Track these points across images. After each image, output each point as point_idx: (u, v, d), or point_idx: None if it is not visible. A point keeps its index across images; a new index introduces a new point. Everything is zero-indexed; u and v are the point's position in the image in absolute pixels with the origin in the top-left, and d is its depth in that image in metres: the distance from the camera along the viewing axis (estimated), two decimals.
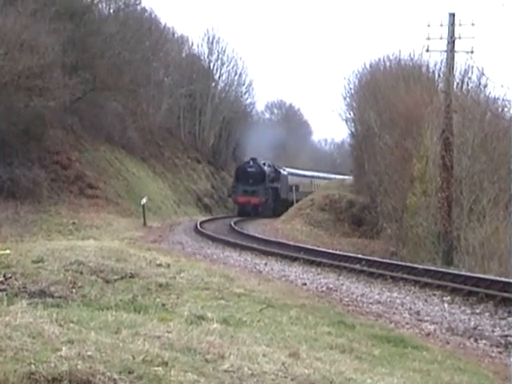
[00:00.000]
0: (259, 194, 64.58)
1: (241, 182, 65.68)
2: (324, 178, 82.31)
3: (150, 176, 62.56)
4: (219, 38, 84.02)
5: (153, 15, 70.92)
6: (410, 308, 16.04)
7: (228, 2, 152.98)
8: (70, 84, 46.86)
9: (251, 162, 67.09)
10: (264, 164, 68.08)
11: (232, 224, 45.71)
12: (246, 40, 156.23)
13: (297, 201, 65.74)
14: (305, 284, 19.71)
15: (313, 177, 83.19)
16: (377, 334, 11.01)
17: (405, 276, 21.07)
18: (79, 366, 5.20)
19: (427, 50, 36.84)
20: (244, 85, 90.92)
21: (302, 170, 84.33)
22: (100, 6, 59.92)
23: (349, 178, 67.09)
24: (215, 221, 52.08)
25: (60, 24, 47.25)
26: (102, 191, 50.82)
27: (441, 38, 34.73)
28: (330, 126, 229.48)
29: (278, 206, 67.59)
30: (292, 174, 74.82)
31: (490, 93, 41.65)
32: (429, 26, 34.93)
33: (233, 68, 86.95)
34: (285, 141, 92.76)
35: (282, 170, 72.93)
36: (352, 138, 66.06)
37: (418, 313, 15.37)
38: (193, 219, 50.33)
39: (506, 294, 17.03)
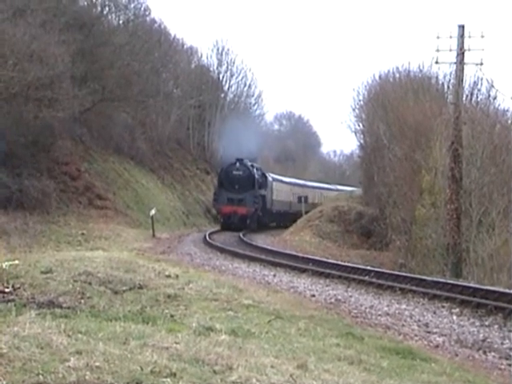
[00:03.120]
0: (247, 202, 54.57)
1: (225, 188, 55.72)
2: (320, 188, 79.30)
3: (158, 187, 62.61)
4: (228, 50, 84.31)
5: (162, 26, 71.15)
6: (419, 320, 16.02)
7: (237, 13, 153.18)
8: (79, 95, 46.97)
9: (237, 164, 56.37)
10: (252, 166, 58.03)
11: (241, 235, 45.69)
12: (256, 51, 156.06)
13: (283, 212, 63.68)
14: (313, 295, 19.70)
15: (306, 186, 76.76)
16: (385, 345, 11.01)
17: (414, 288, 21.05)
18: (87, 377, 5.22)
19: (436, 62, 36.90)
20: (253, 96, 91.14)
21: (294, 178, 77.94)
22: (109, 17, 60.06)
23: (357, 190, 66.98)
24: (224, 232, 50.85)
25: (69, 35, 47.40)
26: (111, 202, 50.92)
27: (450, 50, 34.80)
28: (339, 138, 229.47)
29: (264, 217, 59.57)
30: (276, 180, 66.37)
31: (499, 105, 41.78)
32: (438, 37, 35.02)
33: (242, 79, 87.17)
34: (293, 152, 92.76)
35: (268, 175, 63.48)
36: (361, 149, 66.01)
37: (426, 325, 15.36)
38: (202, 230, 50.36)
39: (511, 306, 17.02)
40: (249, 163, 57.13)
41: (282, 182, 66.87)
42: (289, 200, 64.95)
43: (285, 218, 63.05)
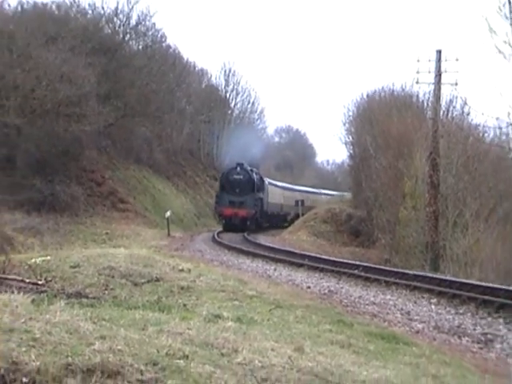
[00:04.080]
0: (248, 205, 52.14)
1: (226, 191, 53.14)
2: (311, 193, 77.34)
3: (173, 192, 62.57)
4: (234, 71, 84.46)
5: (176, 51, 71.19)
6: (402, 309, 15.99)
7: (242, 38, 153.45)
8: (103, 111, 47.02)
9: (238, 168, 53.64)
10: (251, 171, 55.14)
11: (245, 235, 45.59)
12: (258, 71, 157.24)
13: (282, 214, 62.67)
14: (309, 287, 19.66)
15: (296, 190, 74.27)
16: (372, 331, 10.98)
17: (397, 281, 21.02)
18: (110, 359, 5.20)
19: (417, 82, 37.02)
20: (256, 112, 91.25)
21: (286, 183, 75.46)
22: (130, 42, 60.10)
23: (347, 194, 66.71)
24: (231, 232, 49.54)
25: (95, 58, 47.47)
26: (131, 205, 50.95)
27: (429, 72, 34.95)
28: (332, 149, 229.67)
29: (261, 218, 56.39)
30: (271, 184, 63.54)
31: (472, 120, 41.63)
32: (418, 61, 35.22)
33: (246, 97, 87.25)
34: (292, 161, 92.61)
35: (264, 180, 60.50)
36: (351, 159, 65.86)
37: (408, 313, 15.33)
38: (211, 230, 50.18)
39: (485, 297, 17.03)
40: (248, 168, 54.94)
41: (275, 185, 64.99)
42: (280, 202, 63.45)
43: (277, 219, 61.94)
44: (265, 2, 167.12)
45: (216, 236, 43.43)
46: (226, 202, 51.64)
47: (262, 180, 56.01)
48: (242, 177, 52.46)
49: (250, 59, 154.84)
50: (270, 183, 60.97)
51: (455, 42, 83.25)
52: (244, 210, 51.08)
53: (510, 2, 33.73)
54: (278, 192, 62.78)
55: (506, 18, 34.05)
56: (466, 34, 72.32)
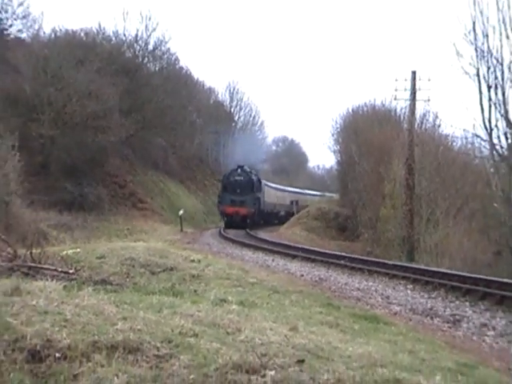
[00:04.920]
0: (248, 204, 50.59)
1: (228, 191, 51.44)
2: (304, 194, 75.19)
3: (185, 194, 62.54)
4: (238, 89, 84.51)
5: (188, 72, 71.24)
6: (382, 293, 15.98)
7: (244, 60, 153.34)
8: (125, 124, 47.09)
9: (239, 170, 52.21)
10: (251, 172, 53.60)
11: (247, 230, 45.52)
12: (259, 88, 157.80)
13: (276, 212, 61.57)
14: (302, 275, 19.63)
15: (286, 190, 71.84)
16: (356, 313, 10.98)
17: (378, 269, 21.01)
18: (131, 337, 5.20)
19: (395, 99, 37.16)
20: (257, 124, 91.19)
21: (281, 185, 72.95)
22: (148, 65, 60.14)
23: (335, 195, 66.64)
24: (239, 228, 48.72)
25: (118, 78, 47.53)
26: (149, 205, 50.97)
27: (405, 90, 35.03)
28: (322, 155, 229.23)
29: (258, 216, 54.15)
30: (267, 185, 61.12)
31: (442, 131, 41.76)
32: (396, 80, 35.34)
33: (248, 112, 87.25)
34: (287, 167, 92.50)
35: (262, 181, 57.77)
36: (338, 165, 65.82)
37: (387, 297, 15.32)
38: (218, 227, 49.98)
39: (454, 283, 17.04)
40: (248, 169, 53.46)
41: (270, 186, 62.81)
42: (274, 202, 62.36)
43: (271, 217, 60.49)
44: (264, 28, 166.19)
45: (222, 231, 43.46)
46: (228, 201, 50.53)
47: (259, 181, 54.71)
48: (242, 178, 51.40)
49: (251, 78, 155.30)
50: (266, 184, 59.69)
51: (429, 63, 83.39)
52: (244, 209, 50.05)
53: (474, 30, 33.77)
54: (273, 192, 62.14)
55: (471, 43, 34.01)
56: (438, 56, 72.59)
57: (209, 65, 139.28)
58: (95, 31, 56.83)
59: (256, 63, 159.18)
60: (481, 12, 33.55)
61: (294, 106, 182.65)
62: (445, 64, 45.11)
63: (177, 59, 65.97)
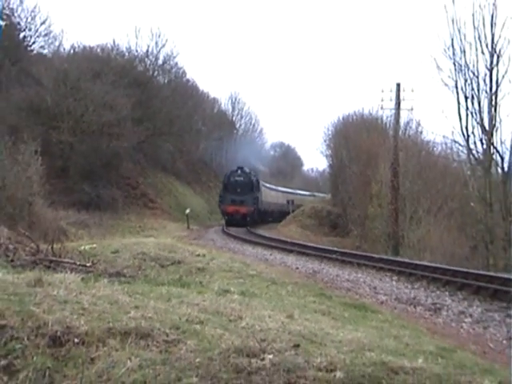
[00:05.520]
0: (247, 203, 49.79)
1: (229, 191, 50.47)
2: (293, 194, 72.86)
3: (191, 194, 62.54)
4: (239, 99, 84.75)
5: (194, 84, 71.28)
6: (370, 284, 15.99)
7: (245, 73, 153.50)
8: (137, 131, 47.12)
9: (239, 171, 51.45)
10: (250, 173, 52.47)
11: (248, 228, 45.50)
12: (258, 97, 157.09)
13: (270, 211, 60.10)
14: (297, 268, 19.64)
15: (279, 190, 69.94)
16: (347, 302, 10.98)
17: (366, 263, 21.03)
18: (142, 324, 5.20)
19: (381, 108, 37.26)
20: (256, 131, 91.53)
21: (274, 185, 70.81)
22: (158, 78, 60.12)
23: (327, 195, 66.65)
24: (239, 226, 48.34)
25: (130, 90, 47.53)
26: (159, 204, 50.99)
27: (391, 100, 35.26)
28: (315, 159, 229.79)
29: (257, 215, 52.64)
30: (264, 186, 59.13)
31: (424, 137, 41.81)
32: (383, 91, 35.47)
33: (248, 120, 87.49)
34: (284, 169, 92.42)
35: (260, 181, 56.21)
36: (330, 168, 65.89)
37: (375, 288, 15.32)
38: (221, 224, 49.95)
39: (435, 275, 17.09)
40: (247, 170, 52.47)
41: (267, 187, 61.29)
42: (271, 201, 61.64)
43: (268, 216, 59.55)
44: (265, 43, 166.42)
45: (225, 229, 43.46)
46: (229, 200, 49.78)
47: (258, 182, 53.74)
48: (242, 178, 50.65)
49: (251, 88, 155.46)
50: (263, 185, 58.71)
51: (413, 75, 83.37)
52: (244, 208, 49.38)
53: (452, 46, 33.82)
54: (270, 193, 61.67)
55: (450, 58, 34.08)
56: (421, 69, 72.77)
57: (212, 76, 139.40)
58: (110, 47, 56.98)
59: (256, 75, 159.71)
60: (459, 30, 33.65)
61: (291, 114, 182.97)
62: (427, 76, 45.27)
63: (184, 72, 66.15)
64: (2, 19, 44.17)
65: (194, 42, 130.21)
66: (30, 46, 47.98)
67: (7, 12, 44.79)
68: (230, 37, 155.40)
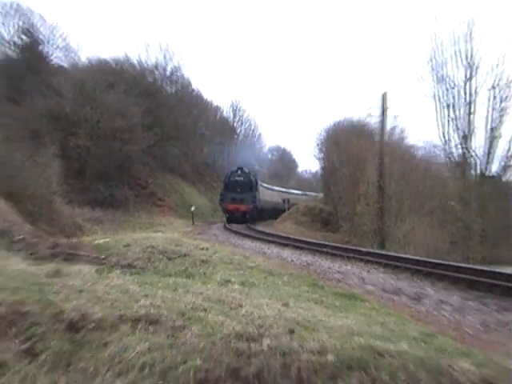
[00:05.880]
0: (247, 201, 49.35)
1: (229, 190, 49.74)
2: (288, 193, 71.81)
3: (196, 193, 62.53)
4: (240, 107, 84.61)
5: (198, 93, 71.21)
6: (358, 276, 15.98)
7: (245, 81, 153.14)
8: (147, 136, 47.20)
9: (239, 172, 50.78)
10: (249, 173, 51.70)
11: (248, 224, 45.48)
12: (257, 104, 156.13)
13: (263, 209, 59.77)
14: (293, 260, 19.61)
15: (275, 189, 68.57)
16: (338, 292, 10.98)
17: (355, 256, 21.01)
18: (151, 311, 5.20)
19: (369, 115, 37.34)
20: (255, 136, 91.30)
21: (270, 184, 69.68)
22: (166, 88, 60.16)
23: (320, 195, 66.54)
24: (239, 223, 48.15)
25: (141, 99, 47.61)
26: (166, 203, 50.99)
27: (377, 108, 35.17)
28: (309, 162, 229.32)
29: (256, 212, 51.81)
30: (261, 185, 57.96)
31: (407, 142, 41.93)
32: (370, 100, 35.66)
33: (248, 126, 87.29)
34: (280, 171, 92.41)
35: (258, 181, 55.60)
36: (322, 170, 65.67)
37: (363, 279, 15.32)
38: (222, 221, 49.93)
39: (418, 267, 17.07)
40: (247, 170, 51.58)
41: (265, 187, 60.15)
42: (268, 200, 60.82)
43: (264, 213, 57.56)
44: (263, 54, 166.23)
45: (226, 225, 43.46)
46: (229, 198, 49.16)
47: (256, 181, 52.95)
48: (242, 178, 49.93)
49: (250, 96, 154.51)
50: (261, 185, 57.90)
51: (399, 84, 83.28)
52: (244, 206, 48.92)
53: (433, 59, 33.94)
54: (267, 192, 61.27)
55: (431, 70, 34.19)
56: (407, 79, 73.11)
57: (215, 85, 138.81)
58: (122, 60, 57.07)
59: (255, 83, 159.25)
60: (439, 44, 33.79)
61: (287, 120, 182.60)
62: (412, 85, 45.40)
63: (189, 83, 66.26)
64: (26, 35, 44.27)
65: (198, 53, 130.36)
66: (51, 59, 48.01)
67: (30, 28, 44.85)
68: (231, 48, 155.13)
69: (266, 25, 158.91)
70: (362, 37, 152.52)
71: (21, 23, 44.39)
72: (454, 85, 32.93)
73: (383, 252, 24.93)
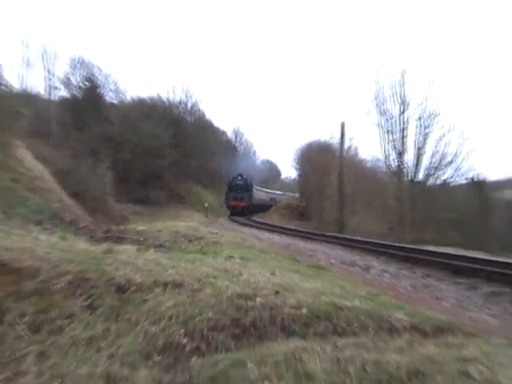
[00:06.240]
0: (245, 199, 48.90)
1: (232, 191, 49.46)
2: (274, 194, 69.29)
3: (209, 194, 62.16)
4: (240, 131, 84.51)
5: (210, 121, 70.54)
6: (324, 252, 16.01)
7: (242, 110, 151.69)
8: (173, 153, 47.10)
9: (239, 177, 50.72)
10: (246, 178, 51.26)
11: (246, 216, 45.51)
12: (252, 126, 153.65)
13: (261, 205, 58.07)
14: (278, 242, 19.64)
15: (265, 191, 65.24)
16: (310, 264, 11.00)
17: (322, 238, 21.08)
18: (177, 278, 5.20)
19: (331, 138, 37.44)
20: (252, 152, 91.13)
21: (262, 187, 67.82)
22: (187, 118, 60.02)
23: (297, 195, 66.58)
24: (239, 215, 48.30)
25: (169, 127, 47.51)
26: (187, 201, 50.87)
27: (338, 133, 35.41)
28: (289, 171, 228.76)
29: (251, 208, 50.53)
30: (254, 187, 55.64)
31: (360, 157, 41.97)
32: (332, 126, 35.67)
33: (247, 145, 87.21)
34: (269, 178, 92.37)
35: (252, 184, 54.01)
36: (299, 177, 65.95)
37: (328, 255, 15.35)
38: (227, 214, 49.84)
39: (366, 246, 17.13)
40: (245, 176, 51.18)
41: (257, 189, 59.47)
42: (259, 198, 60.09)
43: (257, 208, 57.14)
44: (257, 87, 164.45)
45: (230, 217, 43.51)
46: (232, 197, 48.85)
47: (252, 184, 52.31)
48: (241, 182, 49.68)
49: (247, 119, 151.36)
50: (255, 187, 56.24)
51: (354, 114, 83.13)
52: (243, 203, 48.60)
53: (376, 98, 34.08)
54: (258, 193, 61.08)
55: (376, 105, 34.34)
56: (359, 111, 73.37)
57: (219, 112, 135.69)
58: (155, 98, 56.88)
59: (250, 110, 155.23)
60: (381, 87, 34.03)
61: (274, 137, 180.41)
62: (362, 115, 45.50)
63: (204, 114, 65.80)
64: (88, 81, 44.29)
65: (206, 88, 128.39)
66: (105, 98, 47.92)
67: (91, 76, 45.03)
68: (229, 84, 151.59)
69: (254, 63, 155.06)
70: (329, 77, 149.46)
71: (84, 73, 44.48)
72: (392, 116, 33.24)
73: (342, 236, 24.99)
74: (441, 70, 74.00)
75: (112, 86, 48.65)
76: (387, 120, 33.61)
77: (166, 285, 5.00)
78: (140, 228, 14.95)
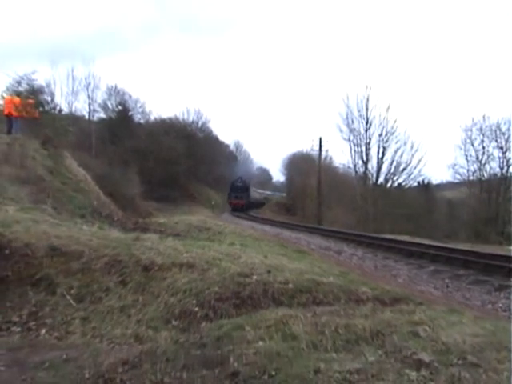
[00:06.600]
0: (244, 198, 47.82)
1: (233, 191, 48.66)
2: (267, 194, 68.00)
3: (215, 194, 61.87)
4: (240, 144, 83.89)
5: (216, 136, 69.61)
6: (306, 240, 16.04)
7: (241, 124, 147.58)
8: (187, 162, 46.89)
9: (239, 179, 50.03)
10: (245, 181, 50.45)
11: (244, 212, 45.48)
12: (249, 137, 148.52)
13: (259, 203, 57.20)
14: (270, 232, 19.68)
15: (259, 192, 64.96)
16: (294, 249, 11.00)
17: (304, 229, 21.13)
18: (190, 260, 5.20)
19: (312, 150, 37.32)
20: (250, 161, 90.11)
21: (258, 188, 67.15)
22: (198, 134, 59.70)
23: (286, 194, 66.58)
24: (239, 211, 47.79)
25: (184, 141, 47.31)
26: (198, 200, 50.61)
27: (317, 145, 35.31)
28: (279, 176, 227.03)
29: (249, 205, 49.75)
30: (251, 189, 55.50)
31: (334, 164, 42.03)
32: (312, 140, 35.79)
33: (245, 155, 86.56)
34: (263, 182, 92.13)
35: (250, 185, 53.87)
36: (286, 180, 66.19)
37: (309, 242, 15.38)
38: (229, 210, 49.77)
39: (339, 235, 17.18)
40: (244, 179, 50.56)
41: (253, 190, 58.63)
42: (254, 197, 58.62)
43: (253, 206, 55.35)
44: (252, 102, 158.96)
45: (232, 213, 43.46)
46: (233, 196, 48.22)
47: (249, 186, 51.90)
48: (241, 184, 48.99)
49: (245, 132, 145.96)
50: (252, 188, 56.72)
51: (330, 129, 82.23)
52: (242, 201, 47.97)
53: (347, 118, 34.20)
54: (254, 193, 60.33)
55: (346, 124, 34.41)
56: (333, 127, 72.12)
57: (223, 127, 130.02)
58: (173, 118, 56.51)
59: (247, 123, 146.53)
60: (350, 109, 34.21)
61: (268, 147, 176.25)
62: (336, 131, 45.05)
63: (211, 131, 65.53)
64: (121, 105, 44.24)
65: (212, 106, 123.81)
66: (134, 118, 47.79)
67: (123, 101, 45.09)
68: (228, 103, 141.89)
69: (252, 87, 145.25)
70: (311, 97, 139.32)
71: (118, 99, 44.57)
72: (359, 133, 33.42)
73: (320, 227, 25.05)
74: (398, 92, 74.06)
75: (139, 109, 48.52)
76: (355, 136, 33.82)
77: (181, 265, 5.00)
78: (161, 221, 14.92)
